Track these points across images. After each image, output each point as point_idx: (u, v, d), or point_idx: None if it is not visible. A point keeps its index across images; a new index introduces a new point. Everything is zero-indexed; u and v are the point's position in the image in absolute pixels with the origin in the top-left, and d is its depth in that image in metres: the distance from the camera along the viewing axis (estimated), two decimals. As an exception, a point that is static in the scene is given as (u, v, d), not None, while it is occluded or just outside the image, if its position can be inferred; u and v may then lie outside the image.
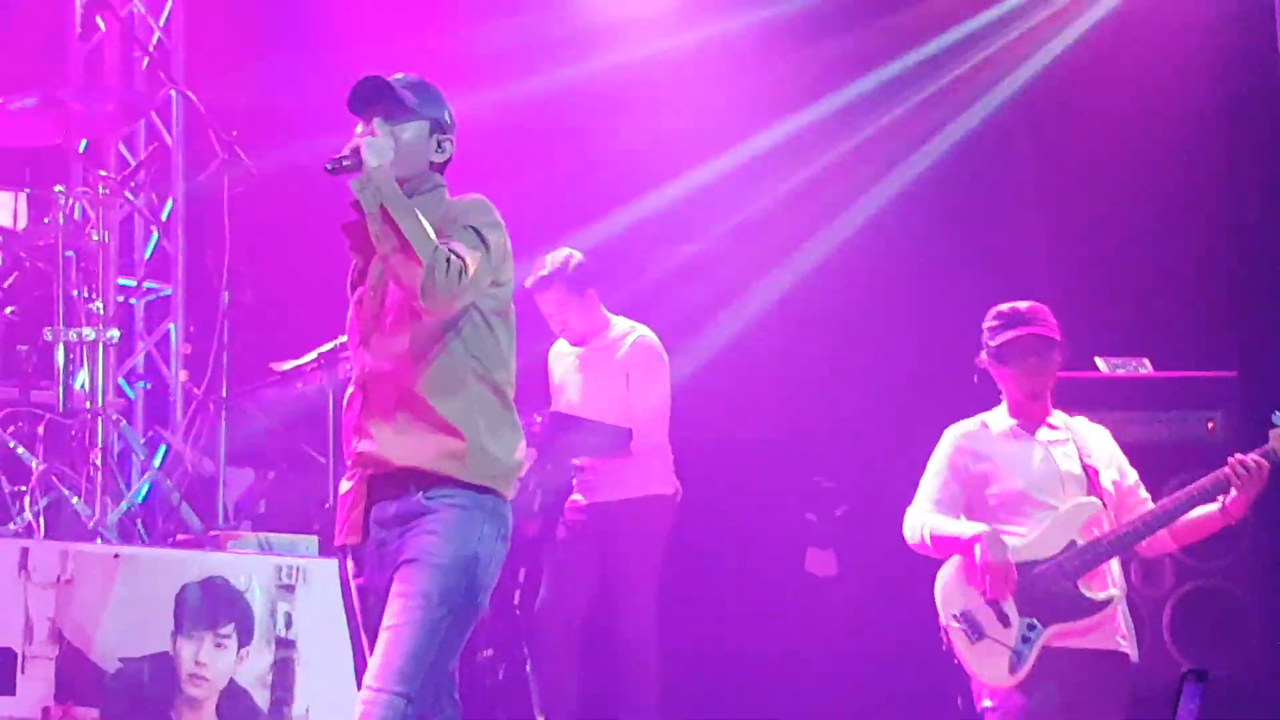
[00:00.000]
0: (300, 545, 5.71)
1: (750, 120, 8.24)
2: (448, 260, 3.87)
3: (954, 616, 5.41)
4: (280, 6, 7.96)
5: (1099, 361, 6.83)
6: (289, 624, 5.37)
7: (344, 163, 3.90)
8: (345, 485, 4.08)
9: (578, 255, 6.78)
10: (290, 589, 5.39)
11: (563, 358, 6.95)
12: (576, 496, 6.76)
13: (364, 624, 4.05)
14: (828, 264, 8.16)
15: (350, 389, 4.12)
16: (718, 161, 8.25)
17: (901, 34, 8.22)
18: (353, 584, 4.08)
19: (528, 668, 6.70)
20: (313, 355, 6.62)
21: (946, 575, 5.49)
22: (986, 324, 5.58)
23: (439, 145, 4.14)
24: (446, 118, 4.16)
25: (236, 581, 5.36)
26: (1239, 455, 5.28)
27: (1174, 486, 5.61)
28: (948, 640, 5.42)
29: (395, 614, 3.87)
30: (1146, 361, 6.92)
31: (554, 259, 6.77)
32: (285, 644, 5.35)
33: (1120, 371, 6.85)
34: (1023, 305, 5.54)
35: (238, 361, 6.52)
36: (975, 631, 5.35)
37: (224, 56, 7.66)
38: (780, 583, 7.97)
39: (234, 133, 6.11)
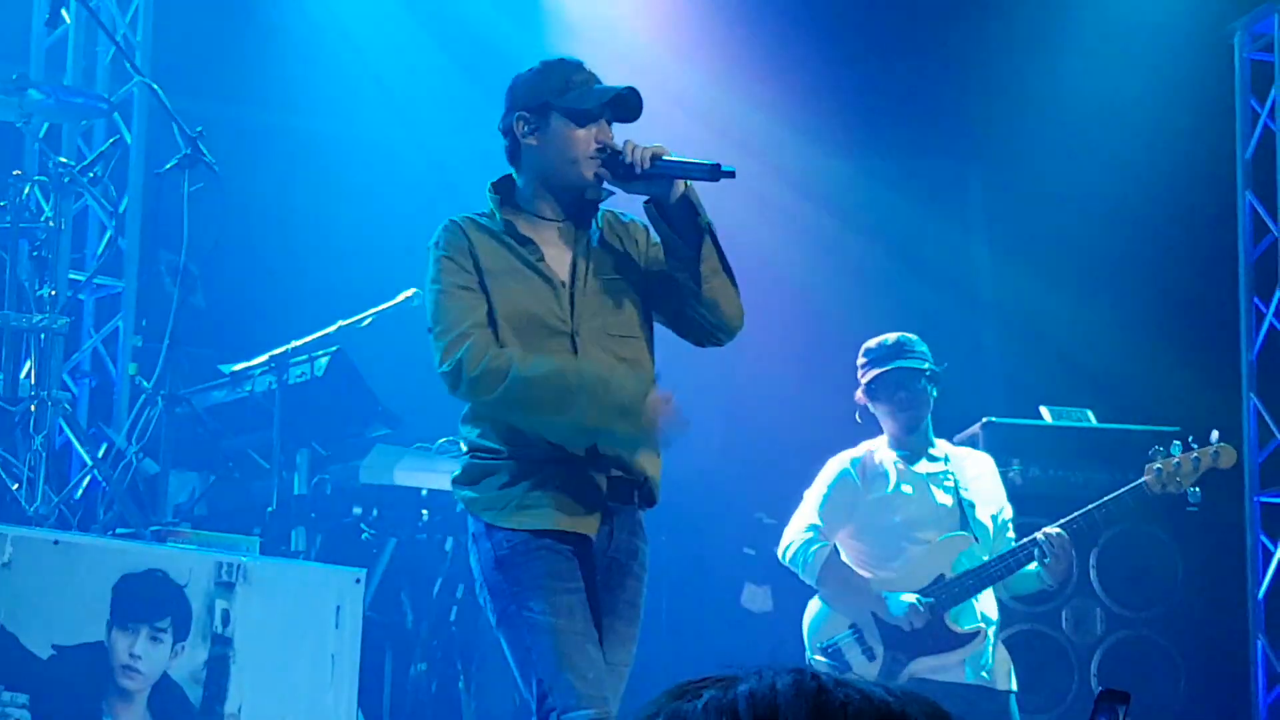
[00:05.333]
0: (241, 546, 5.67)
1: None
2: None
3: (820, 650, 5.47)
4: (250, 8, 7.97)
5: (1043, 410, 6.91)
6: (226, 622, 5.32)
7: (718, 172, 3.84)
8: (559, 469, 3.83)
9: None
10: (230, 587, 5.33)
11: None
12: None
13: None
14: (774, 297, 8.19)
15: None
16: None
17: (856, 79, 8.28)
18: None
19: (461, 684, 6.66)
20: (263, 358, 6.58)
21: (813, 609, 5.55)
22: (858, 362, 5.63)
23: None
24: None
25: (176, 576, 5.29)
26: (1047, 529, 5.34)
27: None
28: None
29: (631, 656, 3.90)
30: (1090, 413, 7.00)
31: None
32: (222, 641, 5.29)
33: (1063, 421, 6.93)
34: (890, 338, 5.59)
35: (186, 363, 6.47)
36: (841, 664, 5.39)
37: (189, 54, 7.64)
38: (716, 617, 7.97)
39: (199, 129, 6.07)
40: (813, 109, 8.16)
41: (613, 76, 4.03)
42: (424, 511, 6.68)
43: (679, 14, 8.04)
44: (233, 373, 6.68)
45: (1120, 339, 7.87)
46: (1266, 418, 7.22)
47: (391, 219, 7.88)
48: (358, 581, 5.62)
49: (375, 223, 7.90)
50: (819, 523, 5.55)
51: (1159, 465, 5.36)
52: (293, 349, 6.45)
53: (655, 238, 4.02)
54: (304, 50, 7.94)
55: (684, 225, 3.88)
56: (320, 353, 6.52)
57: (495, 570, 3.82)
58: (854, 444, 5.72)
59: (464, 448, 3.98)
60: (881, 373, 5.50)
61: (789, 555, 5.56)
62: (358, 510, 6.59)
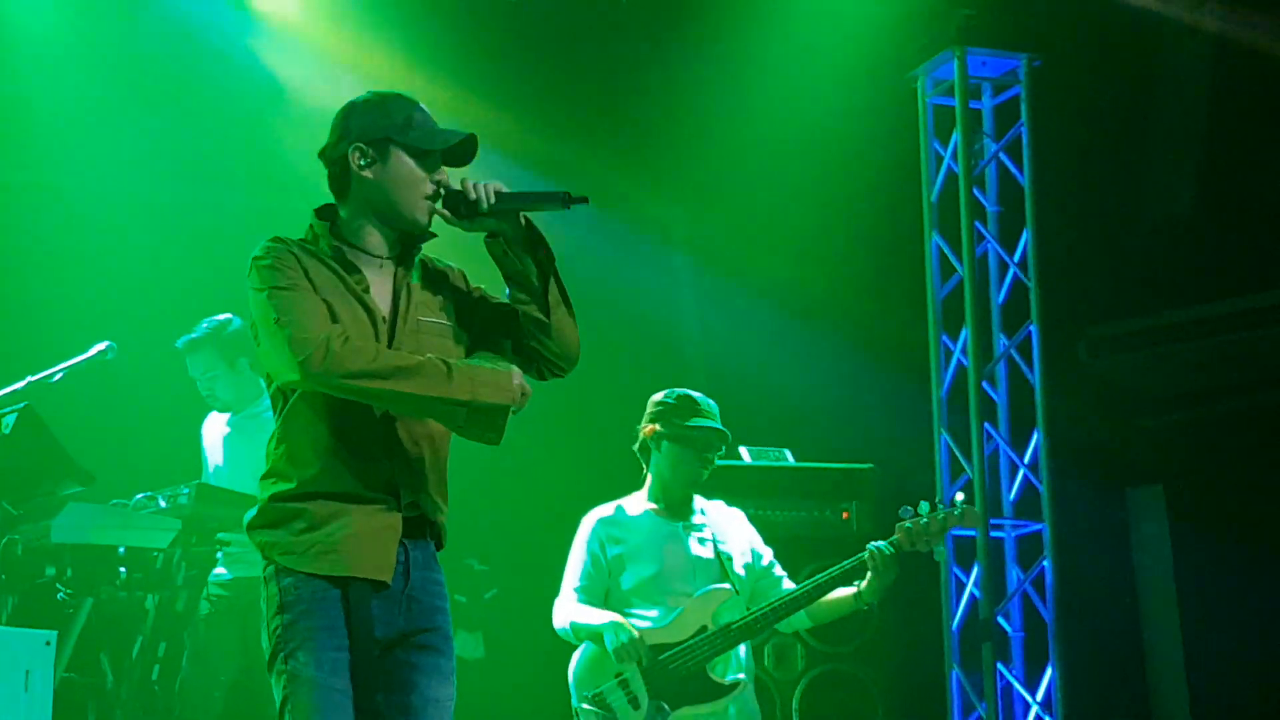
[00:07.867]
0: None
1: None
2: None
3: (586, 699, 5.52)
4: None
5: (742, 450, 7.05)
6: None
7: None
8: (360, 512, 3.76)
9: (236, 322, 6.70)
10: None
11: (214, 427, 6.83)
12: (220, 570, 6.62)
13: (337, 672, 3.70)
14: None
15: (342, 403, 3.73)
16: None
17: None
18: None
19: (161, 746, 6.50)
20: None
21: (579, 660, 5.60)
22: (671, 400, 5.67)
23: None
24: None
25: None
26: (876, 543, 5.53)
27: (810, 573, 5.85)
28: None
29: (454, 689, 3.84)
30: (788, 451, 7.17)
31: (210, 321, 6.69)
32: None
33: (762, 460, 7.09)
34: (699, 395, 5.70)
35: None
36: (607, 714, 5.45)
37: None
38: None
39: None
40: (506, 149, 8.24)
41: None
42: (122, 569, 6.49)
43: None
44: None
45: (816, 378, 8.08)
46: (957, 452, 7.49)
47: (82, 270, 7.68)
48: (48, 644, 5.47)
49: (64, 274, 7.69)
50: (582, 584, 5.63)
51: (909, 524, 5.54)
52: (-23, 410, 6.23)
53: (474, 282, 4.02)
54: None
55: (529, 258, 3.90)
56: (7, 409, 6.29)
57: (277, 615, 3.75)
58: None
59: (261, 493, 3.86)
60: (709, 427, 5.56)
61: (563, 627, 5.61)
62: (51, 571, 6.36)
